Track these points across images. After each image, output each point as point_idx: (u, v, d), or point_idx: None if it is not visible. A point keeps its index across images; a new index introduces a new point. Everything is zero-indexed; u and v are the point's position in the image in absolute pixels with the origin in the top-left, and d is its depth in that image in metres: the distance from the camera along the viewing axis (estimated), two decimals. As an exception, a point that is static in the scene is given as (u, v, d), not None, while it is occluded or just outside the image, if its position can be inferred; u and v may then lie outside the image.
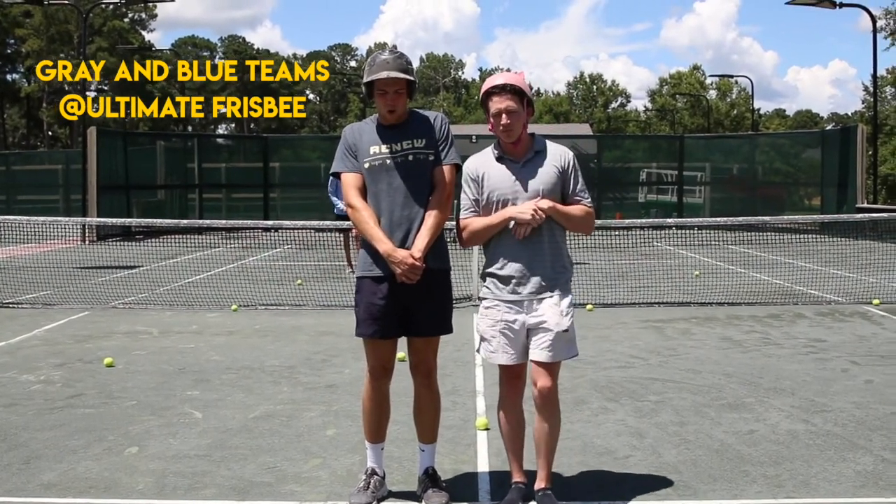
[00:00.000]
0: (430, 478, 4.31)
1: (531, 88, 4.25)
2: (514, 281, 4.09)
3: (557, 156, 4.16)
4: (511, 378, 4.19)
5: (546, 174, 4.10)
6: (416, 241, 4.08)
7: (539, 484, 4.19)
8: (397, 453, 4.91)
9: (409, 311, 4.16)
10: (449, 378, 6.73)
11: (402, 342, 4.31)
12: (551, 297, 4.09)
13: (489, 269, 4.17)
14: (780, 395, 6.28)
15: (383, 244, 4.06)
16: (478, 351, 4.28)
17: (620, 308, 10.65)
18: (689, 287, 11.99)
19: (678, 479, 4.59)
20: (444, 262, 4.26)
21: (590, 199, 4.23)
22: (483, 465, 4.82)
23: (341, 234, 14.22)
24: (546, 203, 4.03)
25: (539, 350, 4.08)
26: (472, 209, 4.18)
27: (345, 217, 13.07)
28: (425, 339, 4.25)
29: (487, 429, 5.43)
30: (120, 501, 4.33)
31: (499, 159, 4.14)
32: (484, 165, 4.18)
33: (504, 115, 4.02)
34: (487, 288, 4.18)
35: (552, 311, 4.07)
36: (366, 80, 4.10)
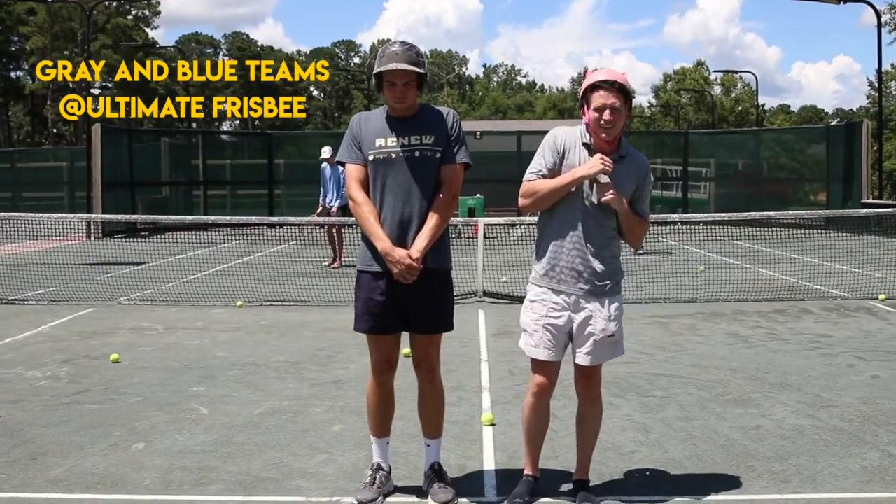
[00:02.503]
0: (435, 473, 4.31)
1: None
2: (563, 277, 4.04)
3: (637, 165, 4.09)
4: (544, 373, 4.13)
5: (623, 180, 4.01)
6: (415, 242, 4.04)
7: (577, 475, 4.28)
8: (403, 448, 4.92)
9: (408, 307, 4.14)
10: (454, 374, 6.74)
11: (407, 337, 4.30)
12: (600, 299, 4.05)
13: (539, 261, 4.12)
14: (785, 391, 6.27)
15: (382, 242, 4.03)
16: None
17: (625, 304, 10.59)
18: (695, 282, 11.97)
19: (684, 474, 4.59)
20: (445, 263, 4.22)
21: (649, 215, 4.18)
22: (489, 461, 4.82)
23: (329, 228, 14.47)
24: (625, 202, 3.97)
25: (581, 355, 4.08)
26: (544, 175, 4.06)
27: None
28: (426, 335, 4.23)
29: (493, 424, 5.43)
30: (126, 497, 4.34)
31: (585, 145, 4.05)
32: (572, 143, 4.07)
33: (608, 111, 3.92)
34: (535, 282, 4.14)
35: (599, 314, 4.04)
36: (375, 71, 4.07)
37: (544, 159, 4.08)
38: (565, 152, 4.05)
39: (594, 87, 3.97)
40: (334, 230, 14.38)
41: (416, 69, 4.03)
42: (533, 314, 4.12)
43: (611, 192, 3.94)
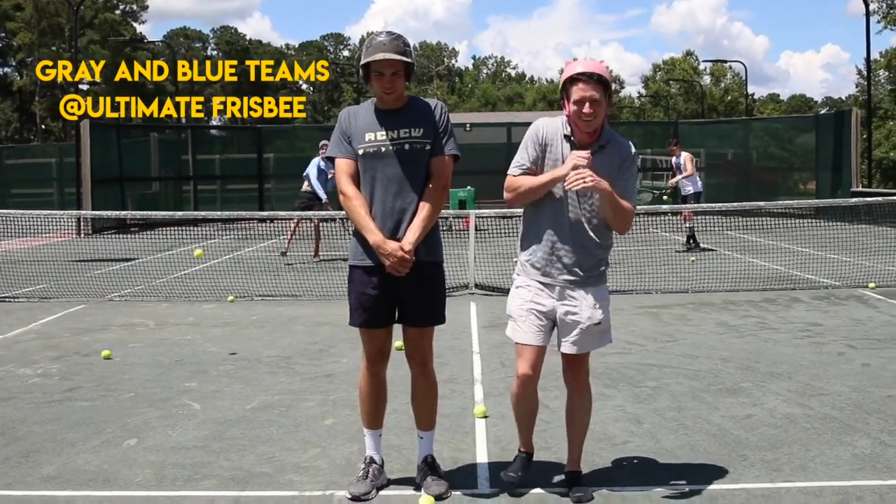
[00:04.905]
0: (429, 466, 4.31)
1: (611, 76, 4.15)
2: (549, 266, 4.04)
3: (618, 151, 4.06)
4: (530, 359, 4.09)
5: (603, 169, 3.97)
6: (407, 234, 4.04)
7: (569, 466, 4.28)
8: (396, 441, 4.92)
9: (400, 301, 4.15)
10: (447, 366, 6.74)
11: (399, 329, 4.30)
12: (585, 287, 4.04)
13: (525, 250, 4.12)
14: (777, 380, 6.30)
15: (373, 235, 4.03)
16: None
17: (616, 294, 10.61)
18: (686, 273, 12.00)
19: (676, 463, 4.60)
20: (436, 255, 4.22)
21: (635, 201, 4.13)
22: (482, 453, 4.82)
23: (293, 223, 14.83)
24: (606, 185, 3.89)
25: (568, 344, 4.07)
26: (527, 169, 4.05)
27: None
28: (418, 328, 4.24)
29: (486, 416, 5.44)
30: (119, 493, 4.33)
31: (566, 137, 4.04)
32: (553, 136, 4.06)
33: (588, 104, 3.89)
34: (521, 271, 4.14)
35: (585, 302, 4.03)
36: (362, 62, 4.06)
37: (527, 153, 4.09)
38: (547, 145, 4.06)
39: (573, 79, 3.95)
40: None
41: (404, 58, 4.02)
42: (518, 300, 4.12)
43: (575, 181, 3.92)
